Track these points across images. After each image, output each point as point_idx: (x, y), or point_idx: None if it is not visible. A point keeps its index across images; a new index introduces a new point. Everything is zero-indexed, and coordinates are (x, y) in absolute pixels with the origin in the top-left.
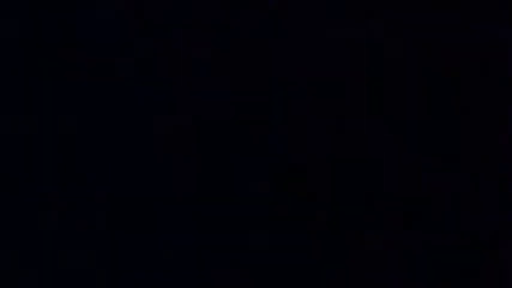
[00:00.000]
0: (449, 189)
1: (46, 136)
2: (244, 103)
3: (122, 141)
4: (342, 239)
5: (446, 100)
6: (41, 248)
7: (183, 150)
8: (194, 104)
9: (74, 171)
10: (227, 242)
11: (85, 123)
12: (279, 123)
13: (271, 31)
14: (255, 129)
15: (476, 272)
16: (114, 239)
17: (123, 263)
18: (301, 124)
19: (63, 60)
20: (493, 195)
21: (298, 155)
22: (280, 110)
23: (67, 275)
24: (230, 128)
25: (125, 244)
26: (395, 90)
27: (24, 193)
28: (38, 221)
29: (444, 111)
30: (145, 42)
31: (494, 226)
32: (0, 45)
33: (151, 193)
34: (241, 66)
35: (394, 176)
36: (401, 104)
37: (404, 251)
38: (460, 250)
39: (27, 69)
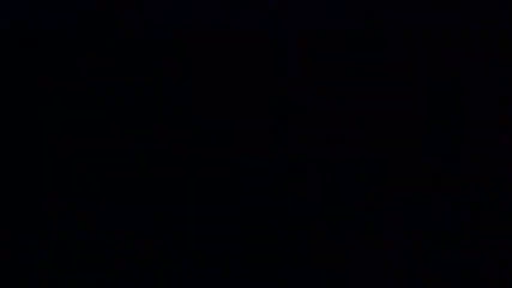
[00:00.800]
0: (449, 189)
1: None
2: (244, 103)
3: (121, 141)
4: (342, 239)
5: (446, 100)
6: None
7: (183, 151)
8: (194, 104)
9: (75, 169)
10: (227, 241)
11: (86, 121)
12: (280, 123)
13: (271, 31)
14: (255, 130)
15: (476, 272)
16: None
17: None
18: (301, 124)
19: (61, 57)
20: (493, 195)
21: (298, 155)
22: (280, 109)
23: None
24: (230, 128)
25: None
26: (396, 90)
27: (24, 187)
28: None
29: (444, 111)
30: (145, 42)
31: (494, 226)
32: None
33: (161, 199)
34: (241, 66)
35: (394, 176)
36: (402, 104)
37: (404, 251)
38: (460, 250)
39: (25, 65)
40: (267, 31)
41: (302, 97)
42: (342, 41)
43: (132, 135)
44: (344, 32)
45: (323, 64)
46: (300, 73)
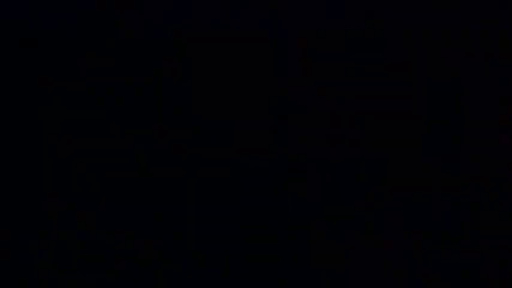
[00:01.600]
0: (449, 189)
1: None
2: (244, 103)
3: (121, 141)
4: (342, 239)
5: (446, 100)
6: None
7: (183, 151)
8: (194, 104)
9: (75, 169)
10: (227, 241)
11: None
12: (280, 123)
13: (271, 31)
14: (255, 130)
15: (476, 272)
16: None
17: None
18: (301, 124)
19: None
20: (493, 195)
21: (298, 155)
22: (280, 109)
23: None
24: (230, 128)
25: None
26: (396, 90)
27: (25, 183)
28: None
29: (444, 111)
30: (145, 42)
31: (494, 226)
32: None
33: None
34: (241, 66)
35: (394, 176)
36: (402, 104)
37: (404, 251)
38: (460, 250)
39: (26, 64)
40: (267, 31)
41: (302, 97)
42: (342, 41)
43: (132, 135)
44: (344, 32)
45: (323, 64)
46: (300, 73)
